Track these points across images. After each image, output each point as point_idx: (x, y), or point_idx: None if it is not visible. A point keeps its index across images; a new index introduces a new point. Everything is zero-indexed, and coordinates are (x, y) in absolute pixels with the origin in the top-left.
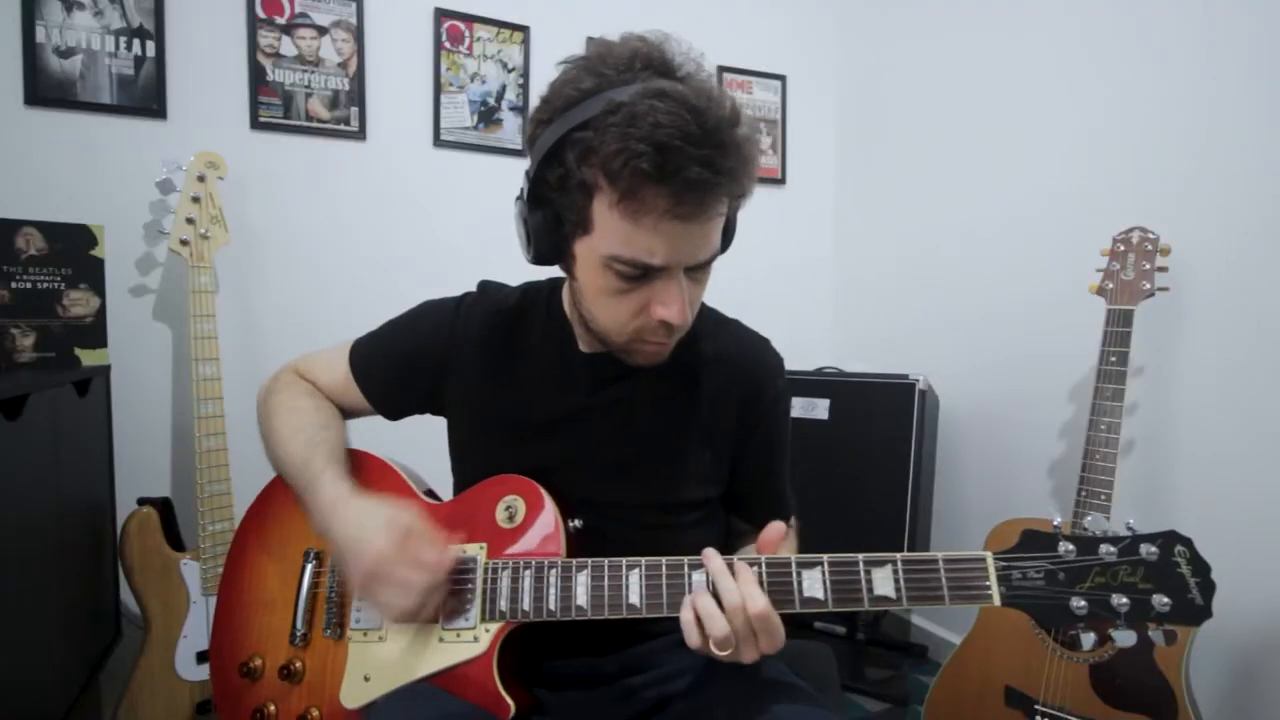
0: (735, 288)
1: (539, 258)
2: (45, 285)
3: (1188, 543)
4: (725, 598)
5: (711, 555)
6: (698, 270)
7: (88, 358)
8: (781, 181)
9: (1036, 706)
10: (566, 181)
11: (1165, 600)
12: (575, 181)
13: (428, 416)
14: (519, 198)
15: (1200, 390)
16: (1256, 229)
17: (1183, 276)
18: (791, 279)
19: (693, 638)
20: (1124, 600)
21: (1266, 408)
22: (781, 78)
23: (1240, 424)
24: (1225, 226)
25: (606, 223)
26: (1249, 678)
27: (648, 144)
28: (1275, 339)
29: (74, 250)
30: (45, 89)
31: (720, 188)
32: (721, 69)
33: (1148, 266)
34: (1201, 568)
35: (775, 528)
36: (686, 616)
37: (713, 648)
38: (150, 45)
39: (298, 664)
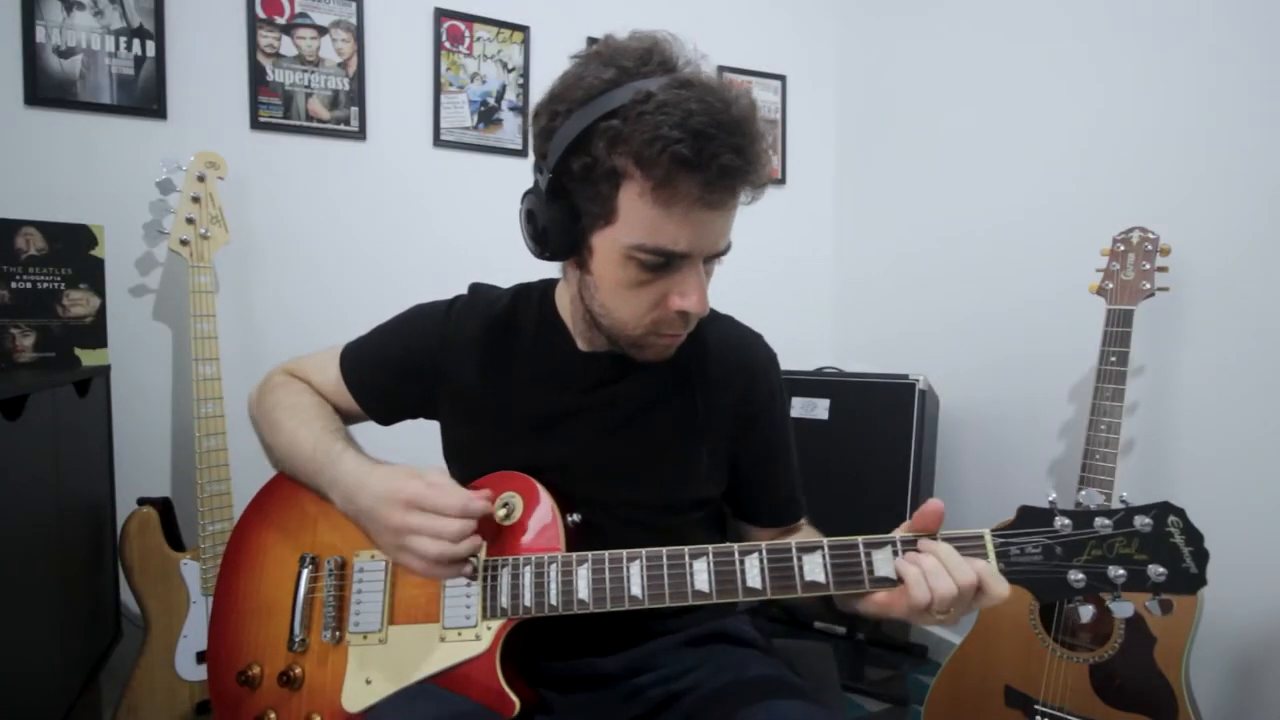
0: (735, 287)
1: (554, 253)
2: (45, 285)
3: (1180, 513)
4: (956, 573)
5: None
6: (711, 262)
7: (88, 358)
8: (781, 181)
9: (1036, 706)
10: (592, 171)
11: (1161, 570)
12: (603, 170)
13: (420, 420)
14: (529, 192)
15: (1200, 390)
16: (1256, 229)
17: (1183, 276)
18: (791, 279)
19: (920, 593)
20: (1120, 571)
21: (1266, 408)
22: (781, 78)
23: (1240, 424)
24: (1225, 226)
25: (633, 211)
26: (1249, 678)
27: (682, 131)
28: (1275, 339)
29: (74, 250)
30: (45, 89)
31: (748, 176)
32: (721, 69)
33: (1147, 266)
34: (1195, 537)
35: (933, 505)
36: (913, 572)
37: (936, 601)
38: (150, 45)
39: (297, 670)
